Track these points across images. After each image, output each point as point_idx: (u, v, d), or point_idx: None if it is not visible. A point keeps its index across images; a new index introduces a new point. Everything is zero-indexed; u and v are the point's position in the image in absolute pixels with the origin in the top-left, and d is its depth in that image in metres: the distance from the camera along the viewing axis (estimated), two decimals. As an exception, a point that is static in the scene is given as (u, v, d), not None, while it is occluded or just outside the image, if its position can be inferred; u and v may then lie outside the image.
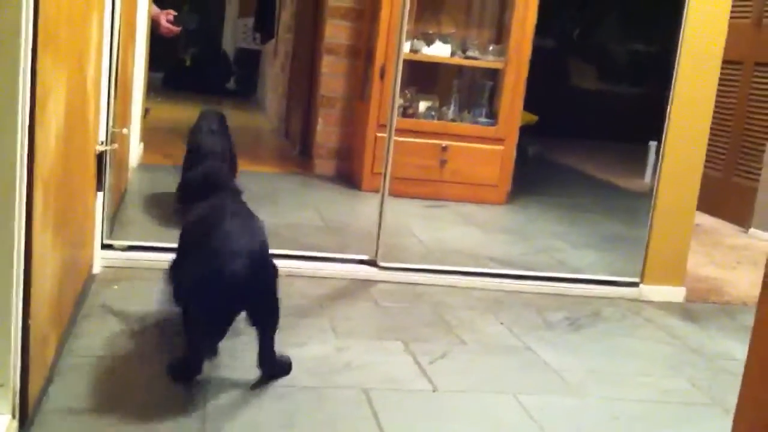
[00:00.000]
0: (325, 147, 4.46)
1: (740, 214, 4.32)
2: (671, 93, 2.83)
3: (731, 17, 2.83)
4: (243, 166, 4.57)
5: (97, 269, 2.50)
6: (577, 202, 4.55)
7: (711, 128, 2.90)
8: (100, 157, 2.42)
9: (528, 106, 4.29)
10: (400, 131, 3.51)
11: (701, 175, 2.89)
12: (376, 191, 2.99)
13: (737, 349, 2.41)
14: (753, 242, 4.01)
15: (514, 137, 4.17)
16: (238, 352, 2.00)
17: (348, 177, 4.34)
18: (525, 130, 4.34)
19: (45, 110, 1.52)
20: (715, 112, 2.89)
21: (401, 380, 1.97)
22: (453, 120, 4.21)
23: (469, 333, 2.34)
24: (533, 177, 4.79)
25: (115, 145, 2.57)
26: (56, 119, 1.65)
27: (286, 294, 2.48)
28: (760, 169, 4.26)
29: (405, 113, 4.12)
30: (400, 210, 3.60)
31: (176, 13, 4.33)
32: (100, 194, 2.49)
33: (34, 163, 1.45)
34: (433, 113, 4.21)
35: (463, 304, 2.60)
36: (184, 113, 6.87)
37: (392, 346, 2.17)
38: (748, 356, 1.49)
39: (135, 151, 4.01)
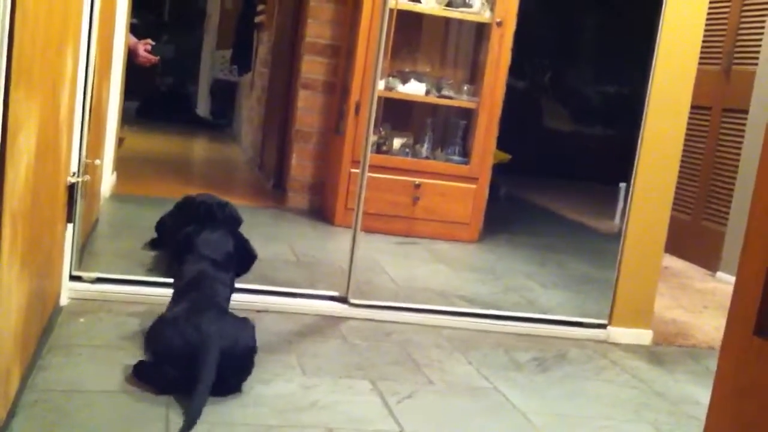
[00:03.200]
0: (299, 181, 4.47)
1: (708, 258, 4.38)
2: (640, 136, 2.88)
3: (700, 63, 2.90)
4: (216, 198, 4.58)
5: (64, 301, 2.48)
6: (547, 242, 4.59)
7: (680, 172, 2.95)
8: (71, 189, 2.42)
9: (501, 145, 4.34)
10: (374, 167, 3.54)
11: (669, 217, 2.94)
12: (349, 226, 3.00)
13: (701, 394, 2.43)
14: (720, 286, 4.06)
15: (486, 176, 4.21)
16: (204, 388, 1.99)
17: (321, 211, 4.36)
18: (498, 169, 4.38)
19: (15, 144, 1.51)
20: (684, 156, 2.95)
21: (367, 420, 1.96)
22: (426, 157, 4.25)
23: (438, 373, 2.35)
24: (505, 216, 4.83)
25: (87, 177, 2.57)
26: (27, 152, 1.65)
27: (258, 330, 2.47)
28: (728, 213, 4.33)
29: (379, 150, 4.15)
30: (372, 246, 3.61)
31: (153, 43, 4.35)
32: (69, 225, 2.48)
33: (3, 196, 1.44)
34: (407, 150, 4.24)
35: (432, 343, 2.60)
36: (158, 143, 6.88)
37: (360, 385, 2.17)
38: (711, 401, 1.51)
39: (108, 180, 3.99)
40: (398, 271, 3.43)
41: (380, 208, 3.98)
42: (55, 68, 1.96)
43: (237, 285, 2.71)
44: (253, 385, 2.05)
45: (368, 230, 3.36)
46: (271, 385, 2.08)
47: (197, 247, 2.41)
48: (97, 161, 3.05)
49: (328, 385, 2.14)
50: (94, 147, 2.91)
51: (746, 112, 4.25)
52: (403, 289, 3.16)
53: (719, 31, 4.45)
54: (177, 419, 1.81)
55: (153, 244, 3.18)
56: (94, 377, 1.99)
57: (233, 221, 2.74)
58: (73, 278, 2.56)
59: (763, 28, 4.21)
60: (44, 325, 2.15)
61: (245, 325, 2.11)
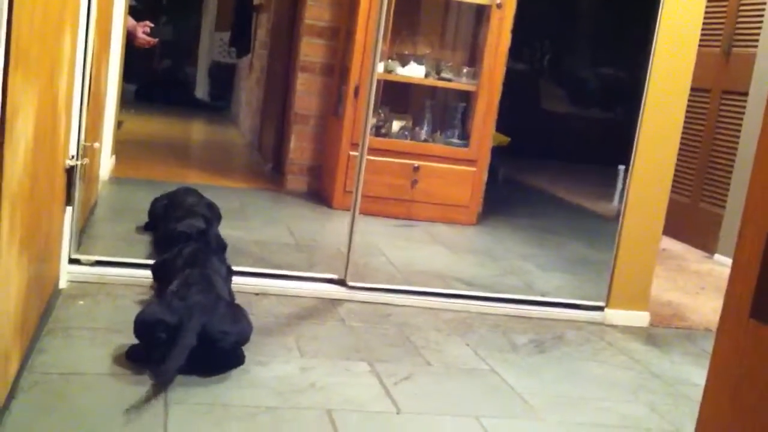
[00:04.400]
0: (298, 164, 4.47)
1: (706, 240, 4.39)
2: (640, 118, 2.87)
3: (700, 45, 2.89)
4: (215, 181, 4.59)
5: (63, 284, 2.49)
6: (546, 224, 4.60)
7: (679, 154, 2.95)
8: (70, 172, 2.42)
9: (500, 127, 4.34)
10: (373, 150, 3.54)
11: (668, 200, 2.94)
12: (347, 209, 3.00)
13: (698, 375, 2.44)
14: (717, 268, 4.07)
15: (485, 159, 4.21)
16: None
17: (319, 194, 4.36)
18: (497, 152, 4.38)
19: (14, 128, 1.52)
20: (683, 138, 2.95)
21: (365, 401, 1.97)
22: (425, 140, 4.24)
23: (435, 354, 2.36)
24: (504, 198, 4.84)
25: (86, 160, 2.57)
26: (25, 136, 1.65)
27: (254, 312, 2.49)
28: (726, 195, 4.34)
29: (378, 132, 4.15)
30: (371, 229, 3.62)
31: (153, 25, 4.33)
32: (69, 209, 2.48)
33: (1, 180, 1.45)
34: (406, 133, 4.24)
35: (430, 326, 2.62)
36: (157, 126, 6.87)
37: (357, 367, 2.18)
38: (707, 383, 1.53)
39: (106, 163, 3.99)
40: (397, 253, 3.44)
41: (379, 191, 3.98)
42: (53, 51, 1.96)
43: (234, 268, 2.73)
44: (250, 366, 2.07)
45: (367, 213, 3.36)
46: (269, 367, 2.09)
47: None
48: (96, 144, 3.05)
49: (326, 367, 2.15)
50: (93, 130, 2.91)
51: (746, 94, 4.25)
52: (402, 271, 3.17)
53: (719, 14, 4.43)
54: (176, 401, 1.82)
55: (146, 227, 3.20)
56: (92, 360, 2.00)
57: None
58: (71, 261, 2.57)
59: (763, 10, 4.19)
60: (43, 308, 2.16)
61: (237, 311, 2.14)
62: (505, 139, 4.76)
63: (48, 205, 2.12)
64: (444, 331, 2.58)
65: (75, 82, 2.39)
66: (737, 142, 4.30)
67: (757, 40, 4.22)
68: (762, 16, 4.20)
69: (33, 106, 1.72)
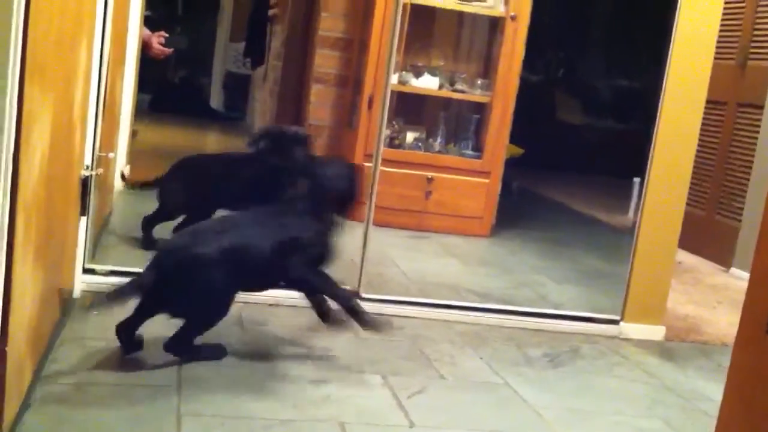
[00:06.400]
0: (312, 174, 4.46)
1: (722, 254, 4.36)
2: (655, 130, 2.86)
3: (716, 58, 2.88)
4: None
5: (77, 293, 2.49)
6: (560, 236, 4.58)
7: (694, 167, 2.93)
8: (85, 182, 2.43)
9: (514, 139, 4.33)
10: (387, 161, 3.52)
11: (683, 212, 2.92)
12: (361, 220, 2.99)
13: (714, 390, 2.42)
14: (734, 282, 4.04)
15: (499, 170, 4.20)
16: (214, 380, 2.00)
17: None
18: (511, 163, 4.37)
19: (29, 138, 1.52)
20: (698, 150, 2.93)
21: (378, 414, 1.96)
22: (439, 152, 4.24)
23: (449, 367, 2.35)
24: (517, 210, 4.82)
25: (101, 170, 2.58)
26: (41, 146, 1.66)
27: (268, 324, 2.49)
28: (742, 208, 4.30)
29: (392, 144, 4.15)
30: (384, 240, 3.61)
31: (167, 35, 4.35)
32: (83, 218, 2.49)
33: (17, 189, 1.45)
34: (419, 144, 4.23)
35: (444, 338, 2.60)
36: (172, 135, 6.89)
37: (371, 380, 2.18)
38: (723, 398, 1.51)
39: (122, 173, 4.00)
40: (410, 265, 3.43)
41: (392, 202, 3.97)
42: (68, 62, 1.97)
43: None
44: (264, 378, 2.06)
45: (380, 224, 3.35)
46: (283, 380, 2.09)
47: None
48: (111, 154, 3.06)
49: (339, 379, 2.14)
50: (108, 140, 2.92)
51: (761, 107, 4.22)
52: (415, 283, 3.16)
53: (735, 26, 4.41)
54: (189, 413, 1.82)
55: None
56: (107, 370, 2.00)
57: None
58: (86, 271, 2.58)
59: (779, 22, 4.17)
60: (57, 318, 2.16)
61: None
62: (519, 151, 4.75)
63: (63, 215, 2.13)
64: (457, 343, 2.57)
65: (90, 92, 2.41)
66: (753, 155, 4.27)
67: (773, 53, 4.20)
68: (778, 28, 4.18)
69: (49, 117, 1.72)
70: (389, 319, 2.17)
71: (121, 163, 3.91)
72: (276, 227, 2.16)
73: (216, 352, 2.17)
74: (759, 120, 4.25)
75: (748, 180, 4.28)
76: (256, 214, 2.22)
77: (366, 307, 2.74)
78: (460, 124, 4.37)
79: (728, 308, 3.47)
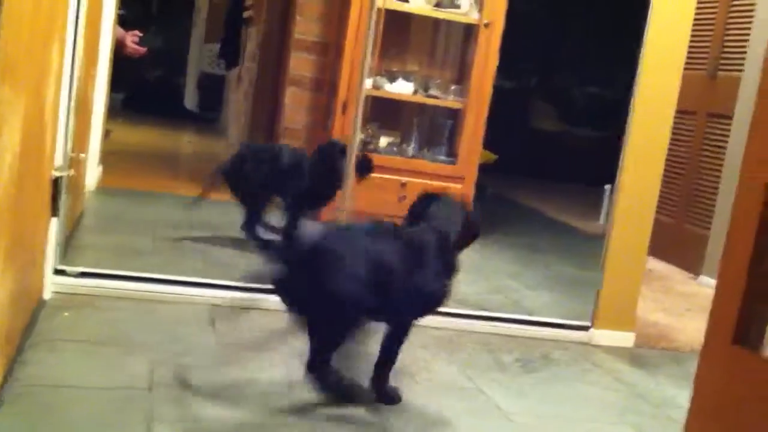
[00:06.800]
0: (286, 178, 4.46)
1: (691, 261, 4.41)
2: (625, 138, 2.89)
3: (686, 68, 2.92)
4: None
5: (47, 295, 2.47)
6: (533, 242, 4.61)
7: (665, 175, 2.97)
8: (56, 183, 2.41)
9: (488, 145, 4.35)
10: (361, 166, 3.53)
11: (653, 220, 2.95)
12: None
13: (684, 398, 2.43)
14: (703, 289, 4.08)
15: (473, 176, 4.22)
16: (185, 384, 1.99)
17: (307, 208, 4.35)
18: (484, 169, 4.39)
19: (0, 139, 1.51)
20: (668, 159, 2.96)
21: (352, 419, 1.96)
22: (413, 157, 4.25)
23: (422, 372, 2.35)
24: (491, 216, 4.84)
25: (72, 171, 2.55)
26: (11, 147, 1.64)
27: (240, 327, 2.48)
28: (711, 217, 4.36)
29: (366, 148, 4.15)
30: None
31: (142, 34, 4.32)
32: (54, 219, 2.47)
33: (-13, 191, 1.44)
34: (393, 149, 4.24)
35: (417, 343, 2.61)
36: (145, 136, 6.85)
37: (343, 384, 2.17)
38: (690, 406, 1.53)
39: (94, 173, 3.98)
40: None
41: (366, 206, 3.97)
42: (40, 63, 1.95)
43: (219, 281, 2.73)
44: (237, 382, 2.05)
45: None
46: (256, 383, 2.08)
47: None
48: (82, 155, 3.04)
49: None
50: (80, 140, 2.90)
51: (731, 117, 4.28)
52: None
53: (705, 37, 4.47)
54: (160, 417, 1.80)
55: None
56: (78, 373, 1.98)
57: None
58: (57, 272, 2.55)
59: (748, 34, 4.23)
60: (27, 320, 2.14)
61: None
62: (492, 157, 4.77)
63: (33, 216, 2.11)
64: (431, 348, 2.58)
65: (62, 93, 2.39)
66: (722, 165, 4.32)
67: (742, 64, 4.26)
68: (747, 40, 4.24)
69: (20, 118, 1.71)
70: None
71: (93, 163, 3.88)
72: (412, 261, 2.02)
73: (355, 394, 2.05)
74: (728, 130, 4.30)
75: (718, 189, 4.33)
76: (394, 243, 2.05)
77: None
78: (434, 129, 4.39)
79: (698, 315, 3.51)
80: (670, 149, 2.94)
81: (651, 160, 2.90)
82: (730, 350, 1.40)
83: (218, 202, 4.36)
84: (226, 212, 4.15)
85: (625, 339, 2.95)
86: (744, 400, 1.37)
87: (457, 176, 4.19)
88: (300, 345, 2.40)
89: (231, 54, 7.03)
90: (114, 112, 5.36)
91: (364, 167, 3.27)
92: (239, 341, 2.38)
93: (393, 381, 2.24)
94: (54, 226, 2.48)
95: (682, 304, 3.72)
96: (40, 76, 1.96)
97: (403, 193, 4.11)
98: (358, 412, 2.01)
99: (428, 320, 2.77)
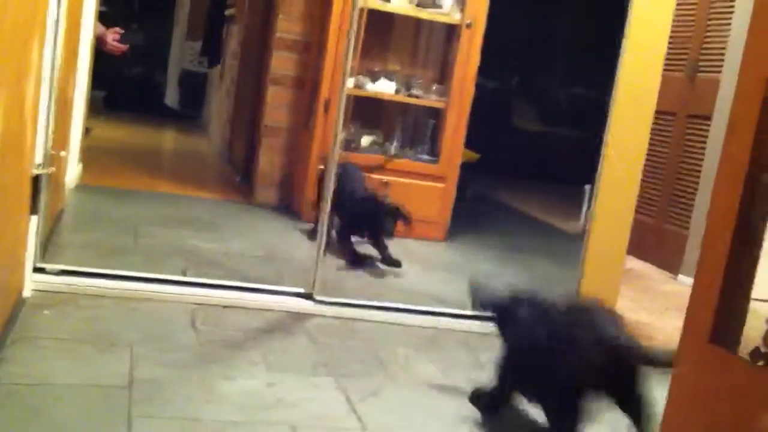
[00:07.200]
0: (268, 176, 4.46)
1: (670, 261, 4.45)
2: (605, 139, 2.91)
3: (666, 70, 2.95)
4: (184, 191, 4.56)
5: (27, 293, 2.46)
6: (514, 241, 4.63)
7: (644, 176, 3.00)
8: (36, 180, 2.40)
9: (470, 144, 4.37)
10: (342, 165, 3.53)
11: (633, 219, 2.98)
12: (315, 222, 3.00)
13: (662, 396, 2.46)
14: (682, 288, 4.12)
15: (455, 175, 4.24)
16: (165, 382, 1.99)
17: (289, 207, 4.35)
18: (466, 168, 4.41)
19: (-19, 136, 1.50)
20: (648, 160, 3.00)
21: (331, 418, 1.97)
22: (395, 156, 4.26)
23: (402, 371, 2.36)
24: (472, 215, 4.87)
25: (52, 169, 2.54)
26: (-7, 144, 1.64)
27: (220, 325, 2.48)
28: (690, 216, 4.40)
29: (348, 147, 4.15)
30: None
31: (122, 32, 4.30)
32: (34, 217, 2.46)
33: (-33, 189, 1.43)
34: (375, 148, 4.25)
35: (398, 341, 2.62)
36: (126, 133, 6.82)
37: (324, 383, 2.18)
38: (666, 404, 1.55)
39: (74, 171, 3.96)
40: (365, 268, 3.44)
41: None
42: (20, 61, 1.94)
43: (200, 280, 2.74)
44: (217, 381, 2.06)
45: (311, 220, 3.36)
46: (235, 382, 2.08)
47: None
48: (63, 153, 3.02)
49: (292, 382, 2.15)
50: (60, 138, 2.88)
51: (710, 118, 4.32)
52: (370, 286, 3.18)
53: (685, 39, 4.51)
54: (140, 414, 1.80)
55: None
56: (58, 371, 1.98)
57: None
58: (36, 270, 2.54)
59: (727, 36, 4.27)
60: (7, 318, 2.13)
61: None
62: (474, 156, 4.79)
63: (13, 214, 2.10)
64: (411, 347, 2.59)
65: (42, 90, 2.38)
66: (701, 165, 4.36)
67: (721, 66, 4.30)
68: (726, 42, 4.28)
69: None
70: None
71: (73, 161, 3.86)
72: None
73: None
74: (707, 131, 4.35)
75: (697, 189, 4.38)
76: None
77: (321, 310, 2.76)
78: (416, 128, 4.40)
79: (676, 314, 3.54)
80: (649, 150, 2.97)
81: (630, 160, 2.93)
82: (706, 349, 1.42)
83: (196, 199, 4.37)
84: (206, 209, 4.16)
85: (604, 338, 2.96)
86: (720, 400, 1.39)
87: (439, 175, 4.21)
88: (280, 343, 2.41)
89: (213, 52, 7.01)
90: (94, 109, 5.34)
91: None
92: (220, 340, 2.38)
93: (372, 378, 2.26)
94: (34, 223, 2.47)
95: (661, 303, 3.76)
96: (19, 74, 1.95)
97: (385, 192, 4.12)
98: (334, 411, 2.02)
99: (409, 318, 2.81)
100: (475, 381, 2.36)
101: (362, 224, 3.56)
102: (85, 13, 3.49)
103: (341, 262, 3.45)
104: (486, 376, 2.42)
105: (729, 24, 4.28)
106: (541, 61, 7.66)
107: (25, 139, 2.16)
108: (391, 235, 3.45)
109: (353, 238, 3.58)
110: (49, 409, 1.78)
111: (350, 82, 3.90)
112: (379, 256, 3.51)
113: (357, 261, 3.51)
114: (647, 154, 2.97)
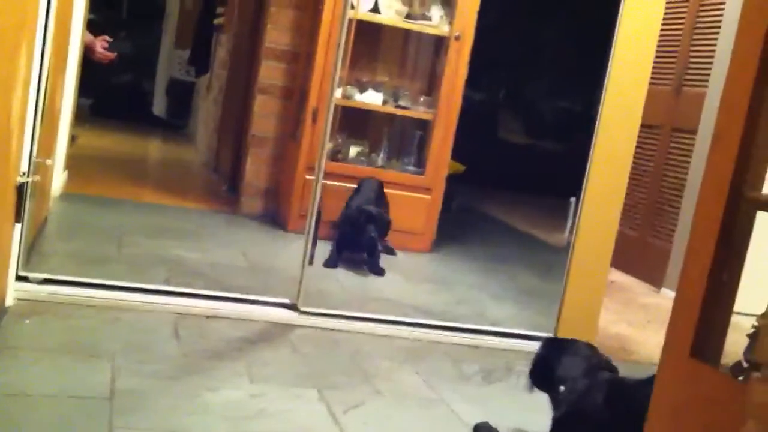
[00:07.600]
0: (254, 186, 4.46)
1: (654, 274, 4.47)
2: (591, 152, 2.93)
3: (652, 83, 2.97)
4: (170, 201, 4.55)
5: (9, 302, 2.44)
6: (498, 253, 4.64)
7: (629, 189, 3.01)
8: (21, 188, 2.38)
9: (456, 156, 4.38)
10: (329, 175, 3.54)
11: (617, 233, 2.99)
12: (302, 233, 3.00)
13: (643, 408, 2.47)
14: (664, 302, 4.14)
15: (441, 187, 4.25)
16: (147, 393, 1.98)
17: (275, 217, 4.35)
18: (452, 180, 4.42)
19: (-35, 144, 1.50)
20: (633, 173, 3.01)
21: (313, 429, 1.97)
22: (382, 167, 4.27)
23: (386, 383, 2.36)
24: (458, 226, 4.88)
25: (37, 177, 2.53)
26: (-24, 152, 1.63)
27: (203, 335, 2.47)
28: (674, 230, 4.42)
29: (335, 157, 4.16)
30: (325, 253, 3.62)
31: (111, 40, 4.29)
32: (18, 225, 2.44)
33: (-50, 197, 1.43)
34: (362, 159, 4.26)
35: (382, 353, 2.62)
36: (112, 141, 6.79)
37: (307, 394, 2.18)
38: (649, 419, 1.55)
39: (58, 179, 3.94)
40: (350, 279, 3.44)
41: (334, 215, 3.98)
42: (7, 68, 1.94)
43: (186, 290, 2.73)
44: (200, 392, 2.05)
45: (322, 237, 3.36)
46: (218, 393, 2.08)
47: None
48: (48, 161, 3.01)
49: (275, 393, 2.14)
50: (46, 146, 2.87)
51: (695, 132, 4.35)
52: (355, 297, 3.18)
53: (671, 53, 4.55)
54: (121, 425, 1.79)
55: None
56: (39, 381, 1.96)
57: None
58: (19, 279, 2.53)
59: (713, 50, 4.31)
60: (-12, 327, 2.11)
61: None
62: (460, 168, 4.81)
63: (-3, 222, 2.09)
64: (396, 359, 2.59)
65: (29, 99, 2.37)
66: (685, 179, 4.39)
67: (707, 80, 4.33)
68: (712, 56, 4.31)
69: (-14, 123, 1.70)
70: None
71: (58, 169, 3.84)
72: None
73: None
74: (692, 145, 4.38)
75: (681, 203, 4.40)
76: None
77: (305, 320, 2.76)
78: (403, 140, 4.41)
79: (658, 327, 3.56)
80: (634, 163, 2.99)
81: (615, 173, 2.94)
82: (687, 363, 1.42)
83: (182, 208, 4.36)
84: (191, 219, 4.15)
85: (588, 350, 2.97)
86: (701, 414, 1.40)
87: (426, 187, 4.22)
88: (264, 354, 2.40)
89: (201, 61, 7.00)
90: (81, 117, 5.31)
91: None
92: (203, 350, 2.37)
93: (356, 390, 2.25)
94: (17, 232, 2.46)
95: (644, 316, 3.77)
96: (6, 81, 1.94)
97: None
98: (317, 423, 2.02)
99: (393, 330, 2.81)
100: (458, 392, 2.37)
101: (350, 235, 3.62)
102: (74, 21, 3.48)
103: (327, 272, 3.45)
104: (470, 388, 2.43)
105: (715, 38, 4.31)
106: (527, 74, 7.70)
107: (11, 147, 2.15)
108: (373, 241, 3.56)
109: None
110: (27, 420, 1.77)
111: (338, 93, 3.90)
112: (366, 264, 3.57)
113: (332, 262, 3.60)
114: (632, 167, 2.99)
